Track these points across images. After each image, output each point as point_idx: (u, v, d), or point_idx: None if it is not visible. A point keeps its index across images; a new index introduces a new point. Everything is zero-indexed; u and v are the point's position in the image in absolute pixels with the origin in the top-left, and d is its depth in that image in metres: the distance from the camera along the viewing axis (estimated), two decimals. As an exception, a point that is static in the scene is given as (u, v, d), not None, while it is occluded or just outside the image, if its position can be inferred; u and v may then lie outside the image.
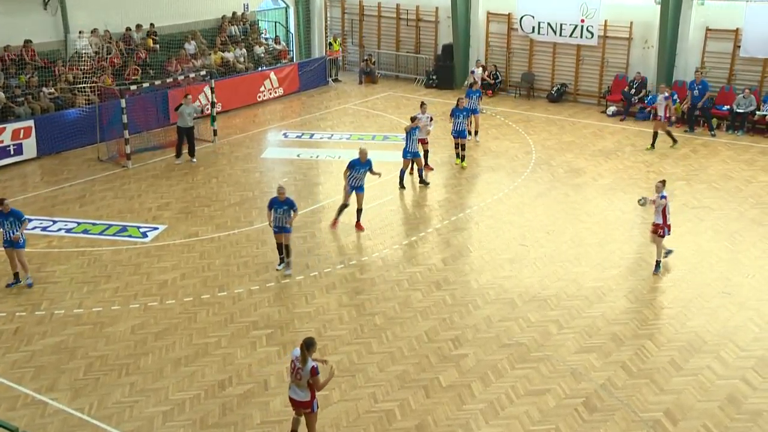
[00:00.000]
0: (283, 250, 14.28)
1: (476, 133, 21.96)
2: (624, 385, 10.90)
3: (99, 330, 12.41)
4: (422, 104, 19.11)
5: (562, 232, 15.94)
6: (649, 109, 23.43)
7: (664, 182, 14.30)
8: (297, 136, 22.90)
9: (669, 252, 14.51)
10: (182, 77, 22.88)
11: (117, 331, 12.39)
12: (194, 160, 20.46)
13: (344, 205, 16.08)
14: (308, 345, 9.05)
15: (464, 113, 19.50)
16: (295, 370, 9.13)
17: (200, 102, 23.72)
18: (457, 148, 19.90)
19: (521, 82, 27.35)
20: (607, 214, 16.96)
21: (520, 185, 18.68)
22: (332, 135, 22.95)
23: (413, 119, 18.19)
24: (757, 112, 22.41)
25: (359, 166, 15.80)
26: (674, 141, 21.34)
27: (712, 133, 22.65)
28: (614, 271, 14.27)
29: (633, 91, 24.25)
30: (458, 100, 19.83)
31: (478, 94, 21.86)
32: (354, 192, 15.91)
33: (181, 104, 20.26)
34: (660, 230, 14.10)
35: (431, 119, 19.11)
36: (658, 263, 14.20)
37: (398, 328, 12.45)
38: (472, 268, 14.55)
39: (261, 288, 13.77)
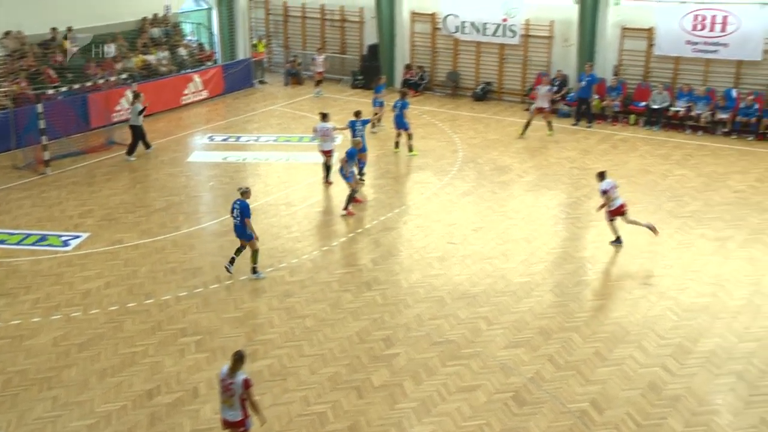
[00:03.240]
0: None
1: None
2: (552, 377, 11.13)
3: (18, 343, 11.97)
4: (323, 115, 18.60)
5: (490, 229, 16.17)
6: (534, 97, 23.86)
7: (600, 174, 15.30)
8: (223, 139, 22.59)
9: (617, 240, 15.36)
10: (102, 81, 22.30)
11: (38, 343, 11.98)
12: (133, 158, 20.65)
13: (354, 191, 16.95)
14: (240, 357, 8.77)
15: (404, 105, 20.39)
16: (225, 386, 8.77)
17: (122, 106, 23.15)
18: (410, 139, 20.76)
19: (446, 81, 27.63)
20: (532, 210, 17.29)
21: (447, 184, 18.88)
22: (259, 137, 22.73)
23: (357, 114, 18.69)
24: (671, 108, 23.22)
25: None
26: (525, 131, 22.68)
27: (590, 125, 23.49)
28: (541, 266, 14.56)
29: (555, 88, 24.76)
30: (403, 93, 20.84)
31: (383, 88, 23.11)
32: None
33: (144, 107, 20.59)
34: (622, 209, 15.16)
35: (334, 129, 18.56)
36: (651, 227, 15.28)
37: (329, 329, 12.41)
38: (401, 267, 14.62)
39: (189, 294, 13.53)
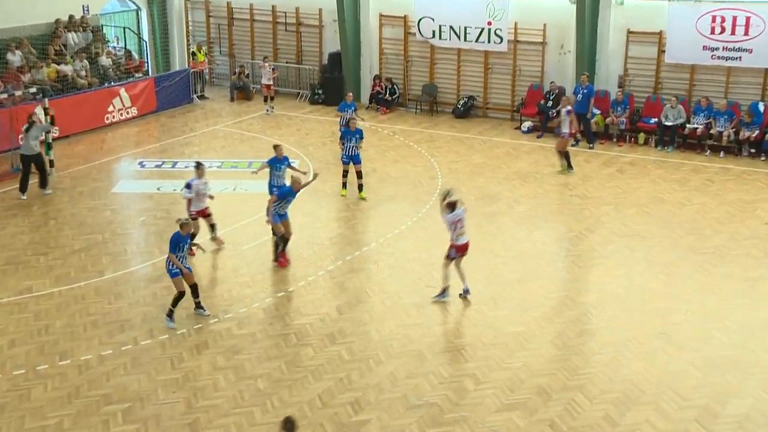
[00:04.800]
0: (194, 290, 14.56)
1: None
2: (554, 446, 11.12)
3: None
4: (198, 165, 16.95)
5: (476, 269, 16.20)
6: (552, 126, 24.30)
7: (450, 204, 14.79)
8: (156, 166, 22.53)
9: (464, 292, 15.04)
10: (5, 96, 22.17)
11: (-74, 416, 11.72)
12: (49, 191, 20.21)
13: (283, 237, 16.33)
14: (291, 425, 9.07)
15: (357, 135, 19.60)
16: None
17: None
18: (345, 176, 19.91)
19: (422, 95, 27.92)
20: (525, 246, 17.41)
21: (425, 216, 18.95)
22: (199, 163, 22.72)
23: (276, 147, 17.85)
24: (687, 125, 23.63)
25: (291, 195, 16.29)
26: (569, 166, 21.80)
27: (591, 146, 23.86)
28: (536, 313, 14.61)
29: (550, 103, 25.13)
30: (349, 121, 19.94)
31: (353, 108, 22.00)
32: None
33: (31, 124, 20.06)
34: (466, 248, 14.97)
35: (206, 183, 16.81)
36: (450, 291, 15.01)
37: (286, 392, 12.31)
38: (371, 316, 14.59)
39: (115, 352, 13.35)
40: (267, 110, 27.55)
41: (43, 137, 20.74)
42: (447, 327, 14.16)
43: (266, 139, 24.64)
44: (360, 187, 19.92)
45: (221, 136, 25.10)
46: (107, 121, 25.84)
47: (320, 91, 28.92)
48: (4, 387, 12.43)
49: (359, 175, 19.89)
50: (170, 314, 14.20)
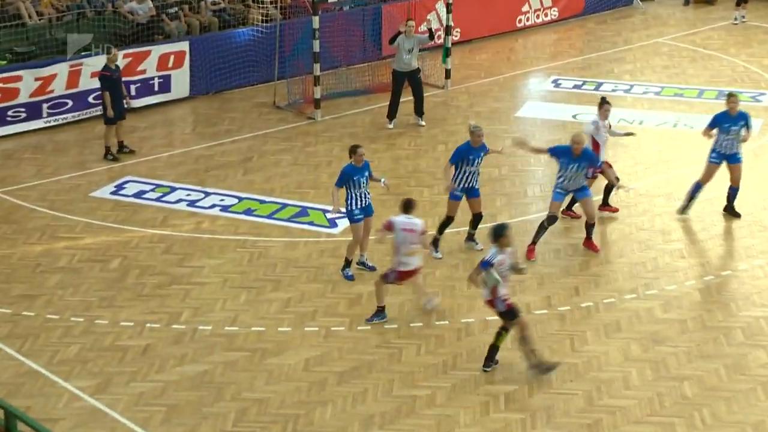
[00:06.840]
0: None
1: None
2: None
3: (259, 360, 13.08)
4: (603, 101, 16.63)
5: None
6: None
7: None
8: (575, 86, 22.87)
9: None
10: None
11: (284, 364, 12.99)
12: (422, 122, 20.83)
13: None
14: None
15: None
16: None
17: (430, 24, 24.12)
18: None
19: None
20: None
21: None
22: (631, 86, 22.73)
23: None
24: None
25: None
26: None
27: None
28: None
29: None
30: None
31: None
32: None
33: (398, 34, 20.46)
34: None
35: (611, 126, 16.81)
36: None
37: (722, 405, 12.03)
38: None
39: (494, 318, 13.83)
40: (737, 18, 26.52)
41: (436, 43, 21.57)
42: None
43: (728, 60, 23.87)
44: None
45: (664, 52, 24.74)
46: (519, 25, 26.48)
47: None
48: (373, 341, 13.47)
49: None
50: (435, 242, 15.49)
